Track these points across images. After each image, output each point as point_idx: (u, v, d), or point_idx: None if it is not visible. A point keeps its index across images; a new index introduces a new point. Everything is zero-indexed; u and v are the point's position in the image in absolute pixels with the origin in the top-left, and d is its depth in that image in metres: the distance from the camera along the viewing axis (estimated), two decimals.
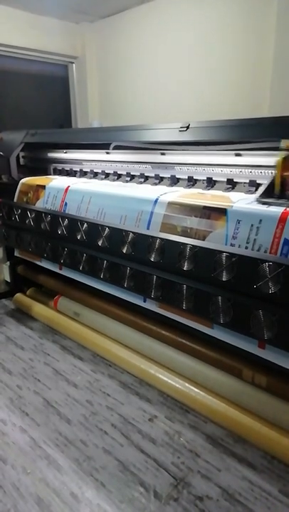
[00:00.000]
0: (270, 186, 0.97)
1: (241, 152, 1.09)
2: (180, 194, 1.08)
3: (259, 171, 1.05)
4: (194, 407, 1.03)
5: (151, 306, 1.10)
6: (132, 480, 0.84)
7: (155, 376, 1.11)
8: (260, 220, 0.86)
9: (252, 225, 0.87)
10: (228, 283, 0.86)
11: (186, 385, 1.05)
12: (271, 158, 1.04)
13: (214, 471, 0.86)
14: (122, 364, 1.21)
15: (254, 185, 1.07)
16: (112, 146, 1.50)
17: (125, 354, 1.20)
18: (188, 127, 1.07)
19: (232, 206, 0.92)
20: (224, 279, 0.87)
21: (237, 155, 1.10)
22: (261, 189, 0.99)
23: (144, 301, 1.11)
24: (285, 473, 0.85)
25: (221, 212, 0.93)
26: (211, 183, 1.17)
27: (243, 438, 0.93)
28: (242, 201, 0.94)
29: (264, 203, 0.91)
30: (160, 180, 1.32)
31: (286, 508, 0.77)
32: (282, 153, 0.97)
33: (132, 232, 1.06)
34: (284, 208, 0.85)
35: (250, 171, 1.07)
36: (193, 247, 0.93)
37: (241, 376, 0.96)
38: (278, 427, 0.89)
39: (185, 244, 0.94)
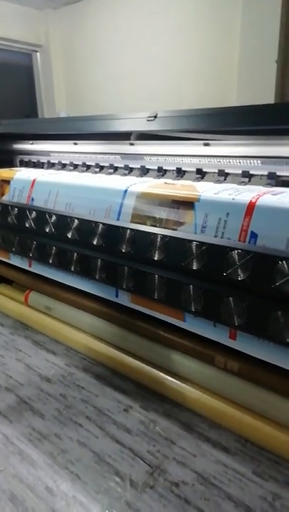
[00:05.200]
0: None
1: (210, 142, 1.09)
2: (150, 185, 1.07)
3: (227, 161, 1.07)
4: (169, 395, 1.04)
5: (123, 300, 1.09)
6: (107, 470, 0.84)
7: (130, 366, 1.11)
8: (228, 213, 0.87)
9: (220, 218, 0.88)
10: (199, 271, 0.87)
11: (161, 374, 1.06)
12: (240, 148, 1.05)
13: (189, 457, 0.87)
14: (96, 356, 1.21)
15: (223, 174, 1.09)
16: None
17: (99, 346, 1.19)
18: (156, 116, 1.06)
19: (199, 196, 0.93)
20: (194, 267, 0.88)
21: (206, 145, 1.10)
22: None
23: (116, 296, 1.11)
24: (258, 454, 0.88)
25: (188, 202, 0.94)
26: (180, 173, 1.17)
27: (218, 423, 0.95)
28: (209, 191, 0.94)
29: None
30: (130, 171, 1.31)
31: (259, 488, 0.80)
32: None
33: (102, 224, 1.05)
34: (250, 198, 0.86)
35: (218, 160, 1.08)
36: (164, 236, 0.93)
37: (214, 363, 0.97)
38: (250, 411, 0.91)
39: (155, 234, 0.94)
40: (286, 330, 0.77)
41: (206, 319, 0.91)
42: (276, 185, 0.99)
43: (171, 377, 1.04)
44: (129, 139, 1.25)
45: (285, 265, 0.76)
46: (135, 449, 0.89)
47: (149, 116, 1.07)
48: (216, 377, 0.97)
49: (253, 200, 0.85)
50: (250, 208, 0.85)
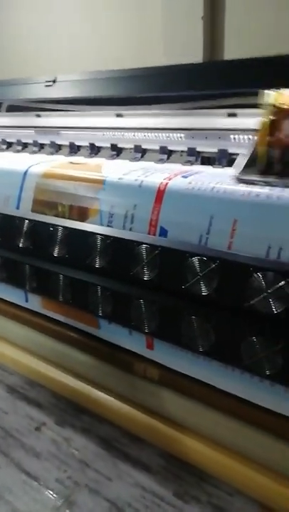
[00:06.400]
0: (253, 159, 0.70)
1: (122, 112, 0.93)
2: (54, 165, 0.90)
3: (143, 135, 0.91)
4: (88, 407, 0.92)
5: (34, 305, 0.94)
6: (5, 510, 0.71)
7: (46, 375, 0.97)
8: (135, 204, 0.73)
9: (126, 207, 0.74)
10: (104, 270, 0.73)
11: (79, 382, 0.93)
12: (158, 119, 0.90)
13: (104, 482, 0.76)
14: (9, 364, 1.06)
15: (140, 151, 0.93)
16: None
17: (12, 352, 1.04)
18: (54, 81, 0.88)
19: (104, 180, 0.77)
20: (99, 265, 0.74)
21: (118, 115, 0.94)
22: (240, 162, 0.71)
23: (26, 301, 0.95)
24: (182, 471, 0.79)
25: (92, 187, 0.79)
26: (94, 149, 1.01)
27: (140, 437, 0.84)
28: (116, 173, 0.79)
29: (247, 182, 0.67)
30: (40, 147, 1.13)
31: None
32: (267, 112, 0.68)
33: None
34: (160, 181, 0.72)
35: (133, 134, 0.93)
36: (64, 228, 0.78)
37: (133, 370, 0.85)
38: (173, 423, 0.80)
39: (55, 226, 0.79)
40: (201, 337, 0.65)
41: (121, 326, 0.78)
42: (196, 163, 0.85)
43: (90, 385, 0.91)
44: (36, 110, 1.06)
45: (197, 262, 0.63)
46: (42, 478, 0.77)
47: (47, 81, 0.88)
48: (135, 386, 0.86)
49: (162, 187, 0.71)
50: (159, 195, 0.71)
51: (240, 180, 0.67)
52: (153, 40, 1.19)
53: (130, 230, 0.73)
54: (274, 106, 0.67)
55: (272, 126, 0.67)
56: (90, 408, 0.91)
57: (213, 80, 0.86)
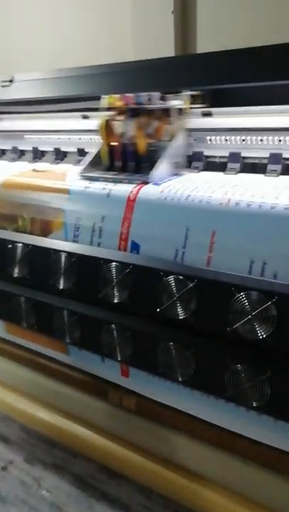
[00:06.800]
0: (97, 156, 0.74)
1: (89, 114, 0.85)
2: (14, 174, 0.82)
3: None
4: (60, 440, 0.83)
5: None
6: None
7: (13, 406, 0.88)
8: (103, 217, 0.65)
9: (93, 219, 0.66)
10: (70, 291, 0.65)
11: (50, 413, 0.84)
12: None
13: None
14: None
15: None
16: None
17: None
18: (11, 81, 0.79)
19: (69, 190, 0.69)
20: (64, 286, 0.65)
21: (84, 117, 0.86)
22: (86, 160, 0.76)
23: None
24: (164, 508, 0.71)
25: (56, 197, 0.71)
26: (59, 154, 0.92)
27: (118, 472, 0.76)
28: (83, 181, 0.71)
29: (88, 179, 0.70)
30: (1, 153, 1.03)
31: None
32: (105, 114, 0.75)
33: None
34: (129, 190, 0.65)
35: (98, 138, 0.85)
36: (25, 245, 0.70)
37: (108, 399, 0.77)
38: (154, 455, 0.73)
39: (13, 243, 0.70)
40: (180, 365, 0.58)
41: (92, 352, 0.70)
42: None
43: (62, 416, 0.83)
44: None
45: (172, 282, 0.56)
46: None
47: (3, 81, 0.79)
48: (111, 416, 0.78)
49: (132, 196, 0.63)
50: (130, 206, 0.63)
51: (83, 177, 0.71)
52: (123, 36, 1.12)
53: (98, 245, 0.66)
54: (108, 108, 0.73)
55: (108, 127, 0.73)
56: (63, 442, 0.82)
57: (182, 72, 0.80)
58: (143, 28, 1.08)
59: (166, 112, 0.72)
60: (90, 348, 0.68)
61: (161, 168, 0.68)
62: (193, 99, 0.74)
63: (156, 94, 0.72)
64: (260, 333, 0.50)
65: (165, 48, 1.02)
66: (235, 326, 0.51)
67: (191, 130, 0.76)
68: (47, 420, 0.84)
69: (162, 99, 0.73)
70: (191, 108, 0.73)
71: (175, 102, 0.73)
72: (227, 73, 0.74)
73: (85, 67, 0.85)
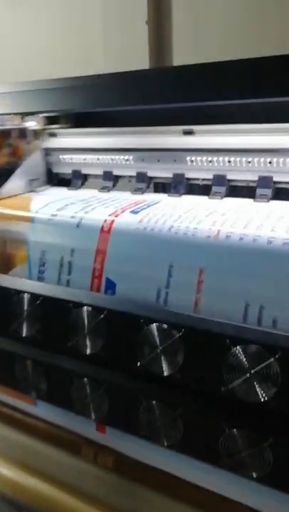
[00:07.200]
0: None
1: (56, 131, 0.77)
2: None
3: (80, 157, 0.75)
4: (26, 501, 0.72)
5: None
6: None
7: None
8: (73, 250, 0.57)
9: (61, 253, 0.57)
10: (34, 339, 0.56)
11: (14, 471, 0.73)
12: (99, 139, 0.74)
13: None
14: None
15: (79, 177, 0.77)
16: None
17: None
18: None
19: (33, 218, 0.60)
20: (27, 333, 0.56)
21: (52, 135, 0.77)
22: None
23: None
24: None
25: (18, 228, 0.61)
26: None
27: None
28: (49, 208, 0.62)
29: None
30: None
31: None
32: None
33: None
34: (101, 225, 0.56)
35: (70, 157, 0.76)
36: None
37: (81, 455, 0.67)
38: None
39: None
40: (165, 428, 0.49)
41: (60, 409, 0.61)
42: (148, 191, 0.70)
43: (28, 475, 0.72)
44: None
45: (155, 331, 0.47)
46: None
47: None
48: (85, 474, 0.68)
49: (107, 227, 0.55)
50: (104, 237, 0.55)
51: None
52: (94, 47, 1.05)
53: (67, 283, 0.57)
54: None
55: None
56: (29, 503, 0.72)
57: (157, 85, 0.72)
58: (115, 38, 1.01)
59: (23, 133, 0.75)
60: (60, 403, 0.58)
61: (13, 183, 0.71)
62: (56, 120, 0.78)
63: (10, 117, 0.74)
64: (261, 394, 0.42)
65: (139, 59, 0.95)
66: (231, 386, 0.43)
67: (169, 150, 0.69)
68: (10, 478, 0.73)
69: (22, 119, 0.76)
70: (44, 130, 0.77)
71: (29, 124, 0.76)
72: (205, 88, 0.68)
73: (49, 81, 0.76)
